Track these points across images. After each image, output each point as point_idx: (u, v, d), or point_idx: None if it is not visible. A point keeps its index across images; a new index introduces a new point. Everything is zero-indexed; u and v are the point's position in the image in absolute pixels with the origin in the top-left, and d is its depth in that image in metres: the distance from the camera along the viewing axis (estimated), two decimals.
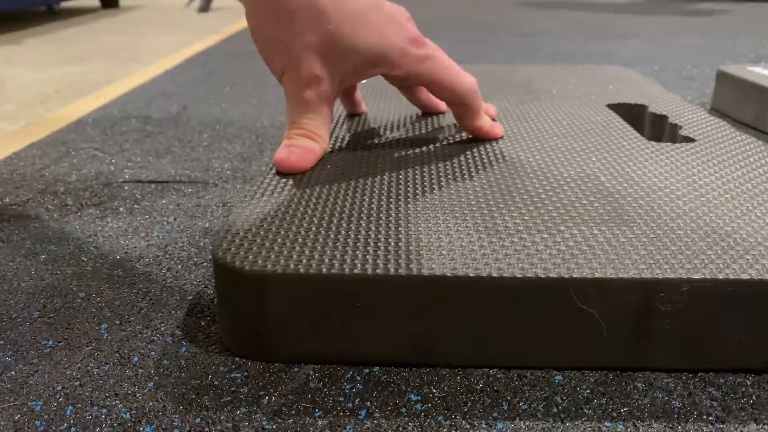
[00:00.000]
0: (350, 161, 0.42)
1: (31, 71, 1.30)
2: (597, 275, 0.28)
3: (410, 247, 0.30)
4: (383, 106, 0.56)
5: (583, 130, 0.47)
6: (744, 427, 0.27)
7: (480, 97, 0.44)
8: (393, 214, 0.34)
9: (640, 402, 0.28)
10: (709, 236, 0.31)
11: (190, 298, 0.37)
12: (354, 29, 0.37)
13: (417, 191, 0.37)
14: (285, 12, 0.37)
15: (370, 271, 0.28)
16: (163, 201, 0.51)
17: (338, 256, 0.30)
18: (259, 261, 0.29)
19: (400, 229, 0.32)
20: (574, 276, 0.28)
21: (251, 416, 0.27)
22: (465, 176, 0.39)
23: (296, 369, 0.30)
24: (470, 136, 0.46)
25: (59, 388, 0.29)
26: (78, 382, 0.29)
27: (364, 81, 0.61)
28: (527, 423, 0.27)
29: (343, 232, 0.32)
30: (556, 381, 0.29)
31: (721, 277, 0.28)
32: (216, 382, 0.29)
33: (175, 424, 0.27)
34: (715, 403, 0.28)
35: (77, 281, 0.39)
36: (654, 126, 0.53)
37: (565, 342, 0.29)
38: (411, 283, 0.28)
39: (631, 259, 0.29)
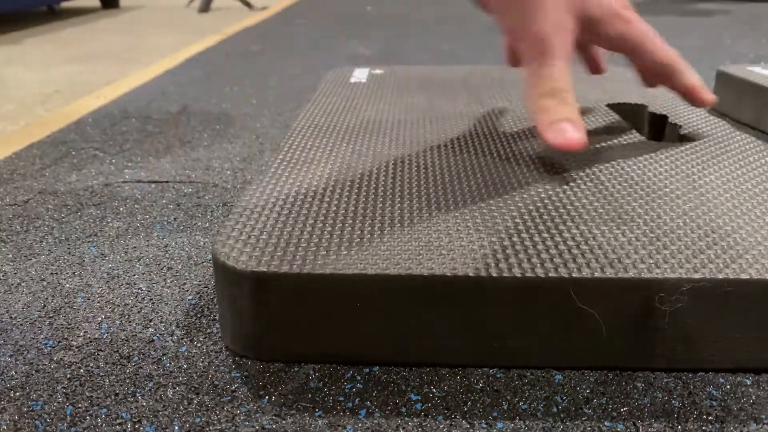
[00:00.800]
0: (353, 159, 0.42)
1: (31, 71, 1.30)
2: (597, 275, 0.28)
3: (410, 246, 0.30)
4: (385, 105, 0.56)
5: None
6: (744, 427, 0.27)
7: (683, 62, 0.43)
8: (393, 213, 0.34)
9: (640, 402, 0.28)
10: (708, 236, 0.31)
11: (190, 297, 0.37)
12: None
13: (418, 190, 0.37)
14: None
15: (370, 271, 0.28)
16: (163, 201, 0.51)
17: (338, 255, 0.30)
18: (259, 260, 0.29)
19: (400, 228, 0.32)
20: (574, 276, 0.28)
21: (251, 416, 0.27)
22: (466, 175, 0.39)
23: (296, 369, 0.30)
24: (471, 135, 0.46)
25: (59, 388, 0.29)
26: (78, 382, 0.29)
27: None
28: (527, 423, 0.27)
29: (343, 231, 0.32)
30: (556, 381, 0.29)
31: (720, 276, 0.28)
32: (216, 382, 0.29)
33: (175, 424, 0.27)
34: (714, 403, 0.28)
35: (77, 281, 0.39)
36: (654, 126, 0.53)
37: (565, 342, 0.29)
38: (411, 282, 0.28)
39: (631, 259, 0.29)
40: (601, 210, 0.34)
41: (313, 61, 1.17)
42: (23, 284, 0.38)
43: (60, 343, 0.32)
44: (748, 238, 0.31)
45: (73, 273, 0.40)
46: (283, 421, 0.27)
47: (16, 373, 0.30)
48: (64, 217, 0.48)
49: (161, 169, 0.59)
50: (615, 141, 0.45)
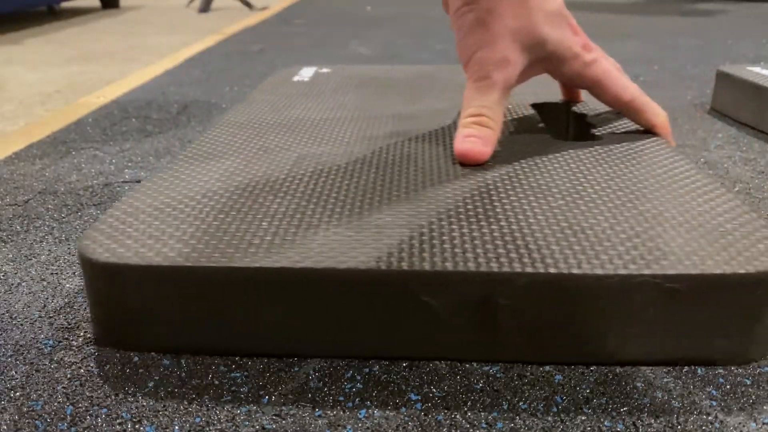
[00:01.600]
0: (257, 154, 0.43)
1: (31, 71, 1.30)
2: (436, 268, 0.28)
3: (265, 240, 0.31)
4: (314, 103, 0.56)
5: None
6: (744, 427, 0.27)
7: (645, 99, 0.45)
8: (269, 209, 0.34)
9: (640, 402, 0.28)
10: (561, 232, 0.31)
11: None
12: (547, 23, 0.41)
13: (305, 186, 0.37)
14: None
15: (220, 264, 0.29)
16: None
17: (197, 248, 0.30)
18: (116, 253, 0.30)
19: (267, 223, 0.33)
20: (415, 269, 0.28)
21: (251, 416, 0.27)
22: (351, 173, 0.39)
23: (296, 369, 0.30)
24: (385, 136, 0.47)
25: (59, 388, 0.29)
26: (78, 382, 0.29)
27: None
28: (527, 422, 0.27)
29: (209, 225, 0.33)
30: (556, 380, 0.29)
31: (553, 271, 0.28)
32: (216, 382, 0.29)
33: (175, 423, 0.27)
34: (714, 403, 0.28)
35: (77, 281, 0.39)
36: (576, 125, 0.53)
37: (410, 333, 0.30)
38: (257, 275, 0.29)
39: (474, 253, 0.30)
40: (470, 206, 0.34)
41: (313, 61, 1.17)
42: (23, 284, 0.38)
43: (60, 343, 0.32)
44: (599, 235, 0.31)
45: (73, 273, 0.40)
46: (283, 421, 0.27)
47: (16, 373, 0.30)
48: (64, 217, 0.48)
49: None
50: (519, 140, 0.45)
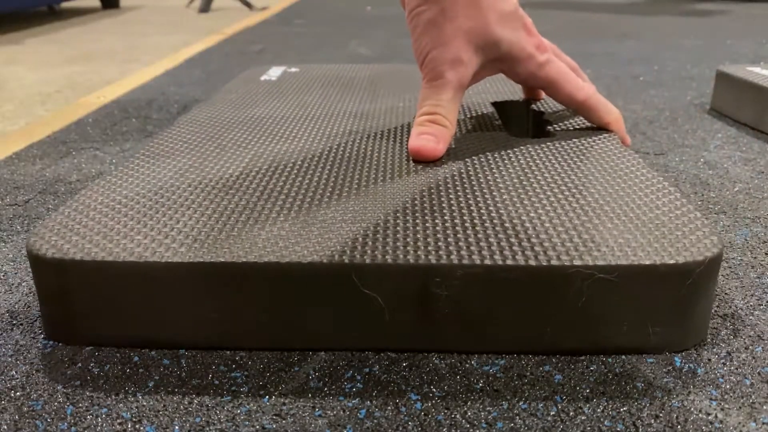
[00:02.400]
0: (212, 152, 0.43)
1: (31, 71, 1.30)
2: (377, 261, 0.29)
3: (211, 235, 0.31)
4: (277, 102, 0.57)
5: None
6: (744, 427, 0.27)
7: (598, 98, 0.46)
8: (219, 204, 0.35)
9: (639, 402, 0.28)
10: (501, 225, 0.32)
11: None
12: (500, 24, 0.41)
13: (257, 183, 0.38)
14: None
15: (162, 259, 0.29)
16: None
17: (142, 244, 0.31)
18: (62, 248, 0.30)
19: (212, 219, 0.33)
20: (355, 262, 0.29)
21: (251, 416, 0.27)
22: (306, 170, 0.40)
23: (296, 369, 0.30)
24: (341, 133, 0.47)
25: (59, 388, 0.29)
26: (78, 382, 0.29)
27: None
28: (527, 422, 0.27)
29: (157, 222, 0.33)
30: (556, 380, 0.29)
31: (489, 263, 0.29)
32: (216, 382, 0.29)
33: (175, 423, 0.27)
34: (714, 403, 0.28)
35: None
36: (534, 122, 0.54)
37: (353, 325, 0.30)
38: (202, 269, 0.29)
39: (414, 246, 0.30)
40: (416, 202, 0.35)
41: (312, 61, 1.17)
42: (23, 284, 0.38)
43: (60, 343, 0.32)
44: (537, 228, 0.32)
45: None
46: (283, 421, 0.27)
47: (16, 372, 0.30)
48: None
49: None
50: (474, 137, 0.46)
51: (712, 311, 0.34)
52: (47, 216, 0.34)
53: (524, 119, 0.56)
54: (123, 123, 0.75)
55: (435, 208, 0.34)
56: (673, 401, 0.28)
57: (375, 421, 0.27)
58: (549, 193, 0.36)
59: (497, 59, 0.42)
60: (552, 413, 0.27)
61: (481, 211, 0.34)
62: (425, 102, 0.43)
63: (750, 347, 0.32)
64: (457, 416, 0.27)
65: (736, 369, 0.30)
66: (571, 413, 0.27)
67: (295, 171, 0.40)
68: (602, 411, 0.27)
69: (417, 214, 0.33)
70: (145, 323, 0.31)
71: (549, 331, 0.30)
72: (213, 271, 0.29)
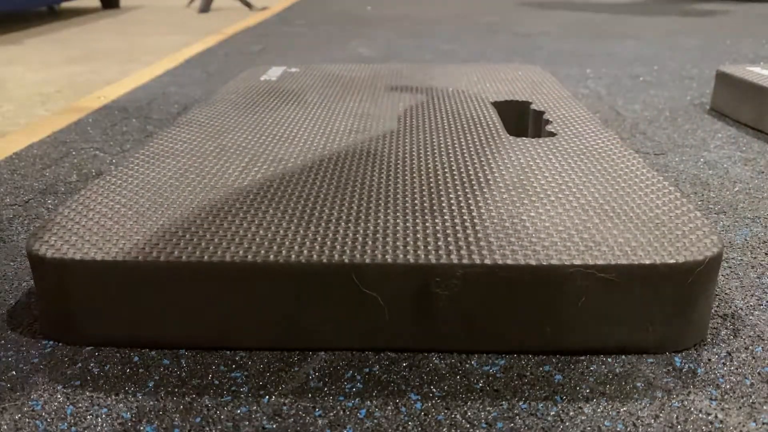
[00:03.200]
0: (213, 153, 0.43)
1: (31, 71, 1.30)
2: (377, 261, 0.29)
3: (209, 236, 0.31)
4: (278, 103, 0.57)
5: (452, 127, 0.48)
6: (744, 427, 0.27)
7: None
8: (218, 205, 0.35)
9: (639, 402, 0.28)
10: (501, 225, 0.32)
11: None
12: None
13: (260, 184, 0.38)
14: None
15: (159, 259, 0.30)
16: None
17: (138, 244, 0.31)
18: (61, 249, 0.31)
19: (210, 218, 0.33)
20: (356, 262, 0.29)
21: (251, 416, 0.27)
22: (306, 170, 0.40)
23: (296, 369, 0.30)
24: (338, 133, 0.47)
25: (59, 388, 0.29)
26: (78, 382, 0.29)
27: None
28: (527, 422, 0.27)
29: (155, 222, 0.33)
30: (556, 380, 0.29)
31: (489, 262, 0.29)
32: (216, 382, 0.29)
33: (176, 423, 0.27)
34: (714, 403, 0.28)
35: None
36: (535, 122, 0.54)
37: (353, 324, 0.30)
38: (200, 268, 0.29)
39: (414, 246, 0.30)
40: (416, 201, 0.35)
41: (313, 61, 1.17)
42: (24, 284, 0.38)
43: (60, 343, 0.32)
44: (537, 227, 0.32)
45: None
46: (283, 421, 0.27)
47: (16, 372, 0.30)
48: None
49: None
50: (475, 137, 0.46)
51: (712, 311, 0.34)
52: (47, 216, 0.34)
53: (524, 119, 0.56)
54: (123, 123, 0.75)
55: (434, 207, 0.34)
56: (673, 401, 0.28)
57: (375, 421, 0.27)
58: (549, 192, 0.36)
59: None
60: (552, 413, 0.27)
61: (481, 211, 0.34)
62: None
63: (750, 347, 0.32)
64: (457, 416, 0.27)
65: (736, 369, 0.30)
66: (571, 413, 0.27)
67: (295, 171, 0.40)
68: (602, 411, 0.27)
69: (417, 214, 0.33)
70: (145, 323, 0.31)
71: (549, 330, 0.30)
72: (213, 271, 0.29)
